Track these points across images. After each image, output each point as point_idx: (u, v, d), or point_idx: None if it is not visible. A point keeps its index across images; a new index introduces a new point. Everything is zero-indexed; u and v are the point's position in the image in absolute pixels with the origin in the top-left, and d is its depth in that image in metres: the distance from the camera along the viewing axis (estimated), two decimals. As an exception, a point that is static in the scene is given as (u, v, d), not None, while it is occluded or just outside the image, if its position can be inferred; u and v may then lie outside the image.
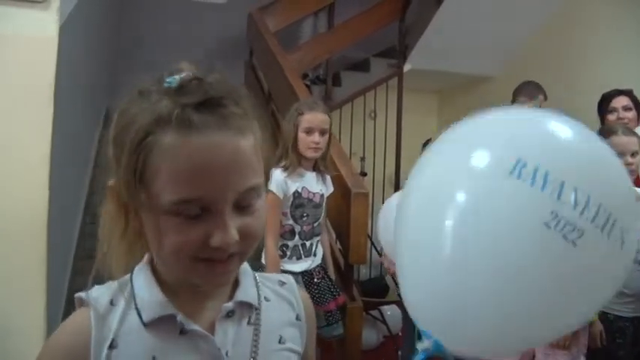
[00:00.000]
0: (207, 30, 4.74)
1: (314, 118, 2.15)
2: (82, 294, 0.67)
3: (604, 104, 2.72)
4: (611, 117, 2.64)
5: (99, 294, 0.67)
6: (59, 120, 2.10)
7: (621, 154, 2.08)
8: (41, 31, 2.02)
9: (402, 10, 4.56)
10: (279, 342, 0.73)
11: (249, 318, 0.71)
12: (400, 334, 3.58)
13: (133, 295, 0.67)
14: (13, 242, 1.97)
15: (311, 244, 2.22)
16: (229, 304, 0.69)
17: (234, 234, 0.60)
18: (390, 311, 3.55)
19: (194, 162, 0.58)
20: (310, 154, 2.16)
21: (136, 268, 0.69)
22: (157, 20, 4.73)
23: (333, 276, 2.34)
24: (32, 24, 2.01)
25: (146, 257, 0.70)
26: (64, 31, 2.10)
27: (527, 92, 3.31)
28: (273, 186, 2.12)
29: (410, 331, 2.43)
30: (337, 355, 2.52)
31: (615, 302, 2.07)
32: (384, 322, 3.46)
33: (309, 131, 2.14)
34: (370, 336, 3.37)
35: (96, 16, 3.33)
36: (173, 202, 0.58)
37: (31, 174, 2.01)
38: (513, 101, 3.38)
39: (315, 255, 2.24)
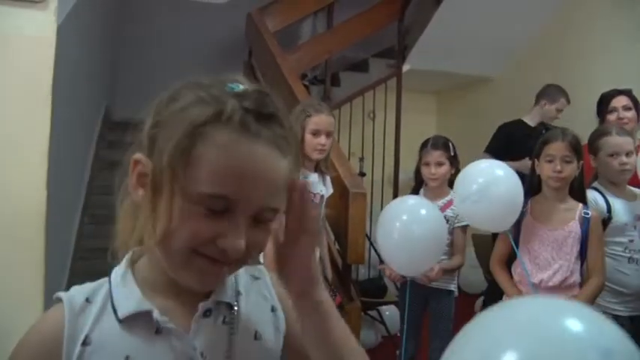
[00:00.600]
0: (206, 30, 4.74)
1: (321, 120, 2.16)
2: (59, 293, 0.68)
3: (603, 104, 2.72)
4: (611, 117, 2.64)
5: (75, 292, 0.68)
6: (57, 120, 2.10)
7: (616, 154, 2.09)
8: (39, 31, 2.02)
9: (400, 11, 4.56)
10: (255, 338, 0.72)
11: (225, 317, 0.70)
12: (399, 334, 3.58)
13: (110, 294, 0.67)
14: (11, 242, 1.97)
15: None
16: (207, 303, 0.68)
17: (242, 244, 0.61)
18: (389, 311, 3.54)
19: (238, 163, 0.60)
20: (316, 155, 2.17)
21: (115, 269, 0.69)
22: (155, 20, 4.73)
23: (329, 276, 2.34)
24: (30, 24, 2.01)
25: (127, 256, 0.70)
26: (61, 30, 2.10)
27: (549, 95, 3.32)
28: None
29: (408, 331, 2.43)
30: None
31: (613, 302, 2.07)
32: (382, 322, 3.45)
33: (316, 133, 2.15)
34: (368, 336, 3.37)
35: (94, 15, 3.33)
36: (206, 194, 0.59)
37: (29, 174, 2.01)
38: (535, 104, 3.39)
39: None
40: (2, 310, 1.91)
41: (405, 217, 2.11)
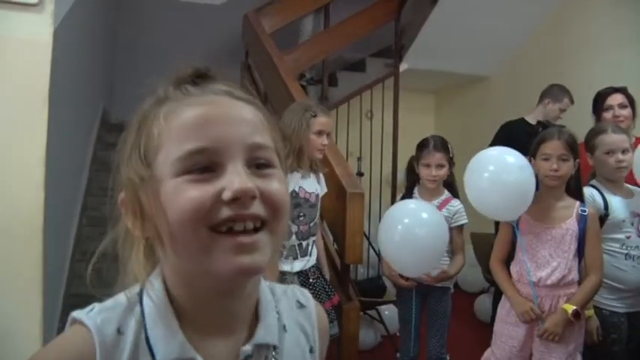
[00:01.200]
0: (203, 31, 4.75)
1: (326, 121, 2.21)
2: (82, 316, 0.57)
3: (599, 102, 2.72)
4: (607, 114, 2.64)
5: (103, 319, 0.57)
6: (54, 122, 2.10)
7: (612, 152, 2.10)
8: (36, 34, 2.03)
9: (397, 10, 4.57)
10: None
11: (266, 357, 0.62)
12: (398, 334, 3.58)
13: (144, 327, 0.57)
14: (10, 243, 1.97)
15: (307, 244, 2.23)
16: (248, 348, 0.60)
17: (250, 183, 0.53)
18: (388, 311, 3.54)
19: (195, 114, 0.56)
20: (318, 155, 2.21)
21: (150, 290, 0.59)
22: (152, 22, 4.73)
23: (327, 276, 2.35)
24: (27, 27, 2.02)
25: (157, 269, 0.61)
26: (58, 34, 2.11)
27: (553, 95, 3.33)
28: None
29: (408, 331, 2.43)
30: (334, 356, 2.53)
31: (610, 298, 2.08)
32: (381, 321, 3.45)
33: (320, 133, 2.17)
34: (368, 336, 3.37)
35: (91, 18, 3.33)
36: (180, 157, 0.54)
37: (27, 176, 2.01)
38: (539, 103, 3.40)
39: (310, 255, 2.25)
40: (1, 312, 1.91)
41: (407, 221, 2.12)
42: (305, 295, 0.73)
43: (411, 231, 2.11)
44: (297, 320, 0.69)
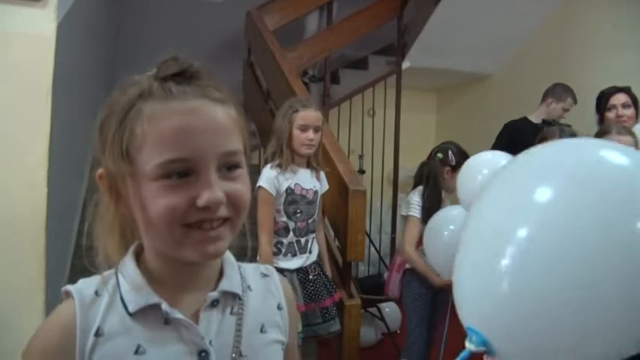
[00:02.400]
0: (206, 28, 4.74)
1: (308, 115, 2.17)
2: (68, 286, 0.69)
3: (602, 101, 2.72)
4: (610, 114, 2.64)
5: (84, 285, 0.69)
6: (57, 118, 2.10)
7: None
8: (39, 29, 2.02)
9: (400, 8, 4.56)
10: (261, 331, 0.75)
11: (232, 308, 0.72)
12: (398, 331, 3.59)
13: (117, 286, 0.69)
14: (12, 240, 1.97)
15: (306, 241, 2.22)
16: (214, 293, 0.71)
17: (220, 193, 0.63)
18: (389, 308, 3.55)
19: (176, 124, 0.62)
20: (304, 150, 2.17)
21: (121, 262, 0.70)
22: (155, 18, 4.73)
23: (329, 272, 2.35)
24: (30, 22, 2.01)
25: (131, 248, 0.71)
26: (61, 29, 2.10)
27: (556, 94, 3.33)
28: (264, 182, 2.13)
29: (413, 328, 2.44)
30: (335, 353, 2.53)
31: None
32: (382, 319, 3.46)
33: (304, 128, 2.16)
34: (368, 333, 3.38)
35: (93, 14, 3.33)
36: (160, 164, 0.61)
37: (30, 172, 2.01)
38: (542, 102, 3.40)
39: (310, 252, 2.24)
40: (4, 308, 1.92)
41: (452, 227, 2.26)
42: (268, 268, 0.83)
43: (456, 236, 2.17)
44: (261, 284, 0.79)
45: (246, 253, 0.82)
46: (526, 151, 0.74)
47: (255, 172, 2.54)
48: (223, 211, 0.64)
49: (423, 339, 2.42)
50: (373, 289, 3.50)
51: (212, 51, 4.64)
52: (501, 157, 2.05)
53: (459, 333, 0.76)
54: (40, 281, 2.00)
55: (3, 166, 1.98)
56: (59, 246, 2.50)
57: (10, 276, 1.96)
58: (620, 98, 2.65)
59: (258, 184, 2.14)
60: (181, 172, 0.62)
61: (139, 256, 0.71)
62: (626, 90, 2.69)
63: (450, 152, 2.51)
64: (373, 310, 3.50)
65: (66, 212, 2.78)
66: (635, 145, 2.13)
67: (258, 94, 4.02)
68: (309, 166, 2.25)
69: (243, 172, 0.68)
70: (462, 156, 2.50)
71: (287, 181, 2.16)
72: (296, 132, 2.16)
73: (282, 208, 2.17)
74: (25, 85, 2.02)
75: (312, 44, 4.30)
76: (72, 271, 2.76)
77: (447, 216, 2.32)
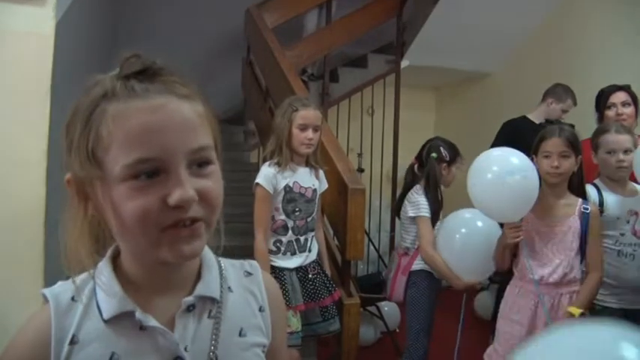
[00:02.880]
0: (205, 26, 4.73)
1: (308, 114, 2.16)
2: (45, 290, 0.68)
3: (602, 100, 2.72)
4: (610, 112, 2.64)
5: (61, 290, 0.68)
6: (56, 116, 2.10)
7: (613, 151, 2.11)
8: (37, 27, 2.02)
9: (399, 7, 4.56)
10: (240, 335, 0.73)
11: (210, 311, 0.71)
12: (398, 330, 3.59)
13: (94, 291, 0.68)
14: (11, 239, 1.97)
15: (305, 240, 2.22)
16: (190, 299, 0.69)
17: (191, 191, 0.61)
18: (388, 307, 3.55)
19: (141, 123, 0.61)
20: (304, 150, 2.17)
21: (99, 265, 0.69)
22: (154, 16, 4.71)
23: (328, 271, 2.35)
24: (29, 20, 2.01)
25: (108, 253, 0.70)
26: (60, 27, 2.10)
27: (557, 95, 3.34)
28: (261, 179, 2.13)
29: (417, 330, 2.43)
30: (335, 352, 2.53)
31: (602, 293, 2.10)
32: (381, 318, 3.46)
33: (303, 128, 2.15)
34: (368, 332, 3.38)
35: (93, 12, 3.32)
36: (127, 164, 0.60)
37: (29, 171, 2.01)
38: (542, 102, 3.40)
39: (309, 251, 2.24)
40: (2, 309, 1.91)
41: (464, 230, 2.35)
42: (252, 265, 0.82)
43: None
44: (244, 285, 0.78)
45: (219, 252, 0.80)
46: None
47: (254, 171, 2.54)
48: (196, 211, 0.63)
49: (426, 340, 2.41)
50: (372, 287, 3.50)
51: (211, 49, 4.64)
52: (510, 154, 2.03)
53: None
54: (38, 282, 1.99)
55: (1, 165, 1.98)
56: (58, 246, 2.49)
57: (8, 277, 1.95)
58: (619, 96, 2.65)
59: (255, 182, 2.14)
60: (150, 171, 0.61)
61: (115, 260, 0.70)
62: (626, 88, 2.68)
63: (441, 149, 2.52)
64: (372, 308, 3.50)
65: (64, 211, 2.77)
66: (634, 144, 2.13)
67: (258, 92, 4.01)
68: (307, 164, 2.25)
69: (214, 168, 0.66)
70: (452, 148, 2.56)
71: (285, 179, 2.16)
72: (295, 131, 2.16)
73: (280, 206, 2.17)
74: (24, 83, 2.02)
75: (311, 42, 4.30)
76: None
77: (461, 218, 2.39)
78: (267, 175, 2.14)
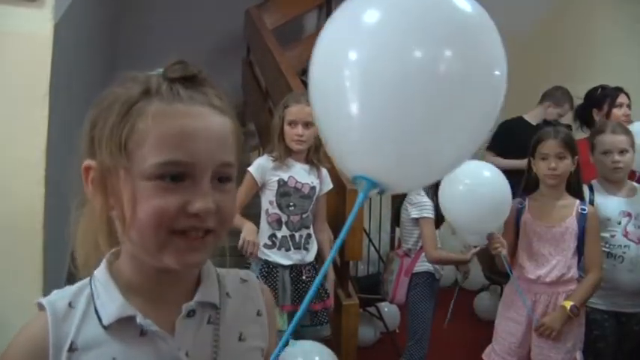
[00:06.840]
0: (205, 27, 4.73)
1: (298, 110, 2.15)
2: (41, 299, 0.67)
3: (609, 100, 2.78)
4: (618, 112, 2.72)
5: (57, 298, 0.68)
6: (55, 117, 2.11)
7: (609, 152, 2.10)
8: (36, 29, 2.03)
9: (399, 7, 4.55)
10: (240, 339, 0.74)
11: (210, 317, 0.72)
12: (397, 330, 3.59)
13: (92, 297, 0.67)
14: (10, 240, 1.98)
15: (300, 237, 2.19)
16: (191, 304, 0.69)
17: (212, 203, 0.63)
18: (387, 308, 3.55)
19: (180, 126, 0.62)
20: (295, 146, 2.16)
21: (96, 271, 0.69)
22: (153, 17, 4.72)
23: (332, 277, 2.33)
24: (27, 22, 2.01)
25: (105, 259, 0.70)
26: (59, 29, 2.10)
27: (555, 99, 3.37)
28: (252, 167, 2.16)
29: (419, 331, 2.43)
30: (333, 352, 2.53)
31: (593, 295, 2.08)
32: (380, 318, 3.46)
33: (292, 123, 2.15)
34: (367, 333, 3.37)
35: (91, 14, 3.33)
36: (158, 163, 0.61)
37: (27, 172, 2.01)
38: (540, 104, 3.41)
39: (306, 250, 2.21)
40: (1, 308, 1.92)
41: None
42: (247, 273, 0.83)
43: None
44: (241, 291, 0.78)
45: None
46: None
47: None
48: (211, 222, 0.64)
49: (426, 341, 2.41)
50: (373, 288, 3.50)
51: (211, 49, 4.63)
52: (484, 168, 2.01)
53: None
54: (37, 282, 2.00)
55: (1, 165, 1.98)
56: (57, 246, 2.50)
57: (8, 277, 1.96)
58: (625, 98, 2.74)
59: (248, 169, 2.16)
60: (176, 175, 0.62)
61: (112, 265, 0.70)
62: (624, 90, 2.76)
63: None
64: (372, 309, 3.50)
65: (64, 212, 2.78)
66: (632, 145, 2.13)
67: (257, 93, 4.01)
68: (308, 161, 2.24)
69: (233, 186, 0.68)
70: None
71: (280, 173, 2.16)
72: (286, 127, 2.16)
73: (274, 199, 2.16)
74: (23, 85, 2.03)
75: (311, 42, 4.26)
76: (70, 273, 2.76)
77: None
78: (259, 165, 2.16)
